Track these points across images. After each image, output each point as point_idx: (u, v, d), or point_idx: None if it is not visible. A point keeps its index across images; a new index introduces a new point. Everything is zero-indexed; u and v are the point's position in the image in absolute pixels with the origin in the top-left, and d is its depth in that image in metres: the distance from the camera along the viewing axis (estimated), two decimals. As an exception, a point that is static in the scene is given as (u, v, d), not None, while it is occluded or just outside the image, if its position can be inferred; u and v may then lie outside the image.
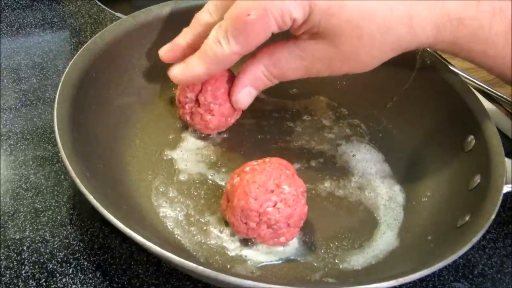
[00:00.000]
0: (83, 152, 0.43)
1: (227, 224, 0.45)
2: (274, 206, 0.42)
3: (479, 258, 0.49)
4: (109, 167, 0.47)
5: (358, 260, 0.45)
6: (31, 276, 0.41)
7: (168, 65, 0.49)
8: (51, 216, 0.46)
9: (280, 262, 0.44)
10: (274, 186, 0.42)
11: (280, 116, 0.58)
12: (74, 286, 0.41)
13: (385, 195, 0.51)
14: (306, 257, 0.45)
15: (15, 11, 0.70)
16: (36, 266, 0.42)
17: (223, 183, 0.50)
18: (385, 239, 0.47)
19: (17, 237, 0.44)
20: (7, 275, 0.41)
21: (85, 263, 0.43)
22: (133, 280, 0.42)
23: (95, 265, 0.43)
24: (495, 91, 0.69)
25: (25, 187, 0.48)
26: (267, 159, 0.45)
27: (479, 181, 0.46)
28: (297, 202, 0.43)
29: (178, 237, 0.44)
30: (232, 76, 0.53)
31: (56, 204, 0.47)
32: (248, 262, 0.44)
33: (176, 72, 0.47)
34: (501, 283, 0.47)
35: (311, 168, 0.53)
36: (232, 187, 0.44)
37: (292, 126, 0.57)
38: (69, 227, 0.45)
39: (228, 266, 0.43)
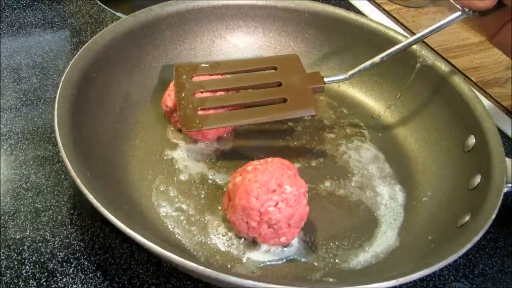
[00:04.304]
0: (83, 152, 0.43)
1: (227, 223, 0.45)
2: (275, 205, 0.42)
3: (480, 257, 0.49)
4: (110, 167, 0.47)
5: (358, 259, 0.45)
6: (31, 275, 0.41)
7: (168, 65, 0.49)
8: (51, 216, 0.46)
9: (280, 262, 0.44)
10: (275, 186, 0.42)
11: (281, 116, 0.58)
12: (75, 285, 0.41)
13: (385, 195, 0.51)
14: (306, 256, 0.45)
15: (16, 11, 0.70)
16: (37, 266, 0.42)
17: (223, 183, 0.50)
18: (385, 239, 0.47)
19: (18, 236, 0.44)
20: (8, 275, 0.41)
21: (86, 263, 0.43)
22: (133, 280, 0.42)
23: (95, 264, 0.43)
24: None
25: (26, 187, 0.48)
26: (269, 159, 0.45)
27: (479, 181, 0.46)
28: (298, 202, 0.42)
29: (179, 237, 0.45)
30: None
31: (57, 204, 0.47)
32: (249, 261, 0.44)
33: None
34: (501, 282, 0.47)
35: (312, 168, 0.53)
36: (234, 186, 0.44)
37: (293, 126, 0.57)
38: (69, 227, 0.45)
39: (229, 266, 0.43)
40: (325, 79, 0.53)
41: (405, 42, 0.53)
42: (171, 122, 0.54)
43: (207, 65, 0.54)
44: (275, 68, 0.55)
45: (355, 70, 0.54)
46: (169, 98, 0.52)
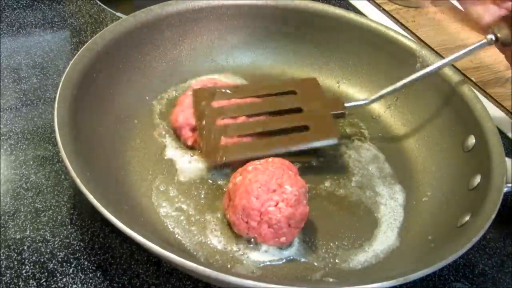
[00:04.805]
0: (83, 152, 0.43)
1: (227, 223, 0.45)
2: (275, 205, 0.42)
3: (480, 257, 0.49)
4: (110, 167, 0.47)
5: (358, 259, 0.45)
6: (31, 275, 0.41)
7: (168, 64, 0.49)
8: (51, 216, 0.46)
9: (280, 262, 0.44)
10: (276, 186, 0.42)
11: (281, 116, 0.58)
12: (75, 285, 0.41)
13: (385, 195, 0.51)
14: (306, 256, 0.45)
15: (16, 11, 0.70)
16: (37, 266, 0.42)
17: (223, 183, 0.50)
18: (385, 239, 0.47)
19: (18, 236, 0.44)
20: (8, 275, 0.41)
21: (86, 263, 0.43)
22: (133, 280, 0.42)
23: (95, 264, 0.43)
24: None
25: (26, 187, 0.48)
26: (269, 159, 0.45)
27: (479, 181, 0.46)
28: (298, 202, 0.43)
29: (179, 237, 0.44)
30: None
31: (57, 204, 0.47)
32: (249, 261, 0.43)
33: None
34: (501, 282, 0.47)
35: (312, 168, 0.53)
36: (234, 185, 0.44)
37: (293, 126, 0.57)
38: (69, 227, 0.45)
39: (229, 266, 0.43)
40: (346, 104, 0.54)
41: (427, 69, 0.53)
42: (181, 139, 0.52)
43: (226, 90, 0.54)
44: (295, 93, 0.55)
45: (377, 96, 0.54)
46: (181, 114, 0.52)
